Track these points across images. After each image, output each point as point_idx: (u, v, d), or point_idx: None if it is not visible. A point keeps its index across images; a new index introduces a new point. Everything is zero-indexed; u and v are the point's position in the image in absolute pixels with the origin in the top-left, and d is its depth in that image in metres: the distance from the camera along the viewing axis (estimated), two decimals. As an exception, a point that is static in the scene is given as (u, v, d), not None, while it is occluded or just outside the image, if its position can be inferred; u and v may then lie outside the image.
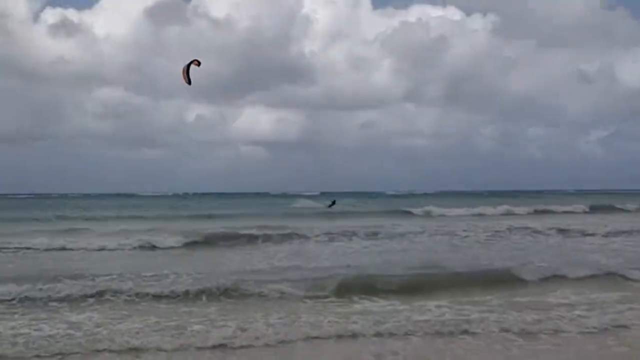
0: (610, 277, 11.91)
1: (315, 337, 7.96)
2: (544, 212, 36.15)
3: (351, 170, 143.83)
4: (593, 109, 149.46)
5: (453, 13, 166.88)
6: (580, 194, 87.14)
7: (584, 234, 21.19)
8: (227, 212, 39.21)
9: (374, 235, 20.85)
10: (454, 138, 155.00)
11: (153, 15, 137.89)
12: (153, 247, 17.99)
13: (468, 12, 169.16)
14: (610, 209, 38.55)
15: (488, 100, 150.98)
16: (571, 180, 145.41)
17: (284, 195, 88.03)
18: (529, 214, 35.39)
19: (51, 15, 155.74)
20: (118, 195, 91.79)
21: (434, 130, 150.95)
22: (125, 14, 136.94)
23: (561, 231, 21.37)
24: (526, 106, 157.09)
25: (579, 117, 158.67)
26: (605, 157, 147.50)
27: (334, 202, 47.28)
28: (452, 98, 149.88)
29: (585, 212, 36.70)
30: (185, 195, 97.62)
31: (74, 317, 8.89)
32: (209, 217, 34.63)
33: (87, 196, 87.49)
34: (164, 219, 33.36)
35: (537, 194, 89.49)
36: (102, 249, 17.60)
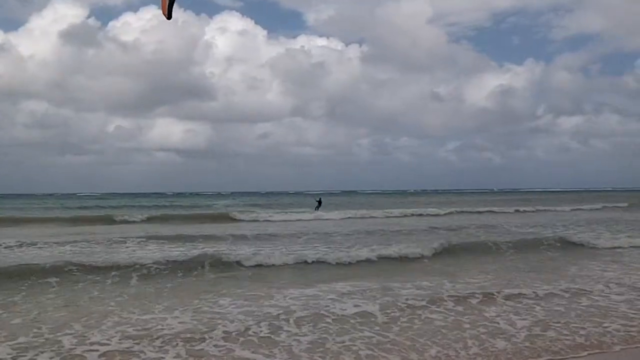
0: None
1: None
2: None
3: (252, 173, 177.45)
4: (447, 123, 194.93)
5: (336, 44, 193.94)
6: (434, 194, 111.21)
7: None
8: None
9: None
10: (337, 147, 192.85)
11: (69, 37, 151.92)
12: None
13: (347, 43, 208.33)
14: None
15: (363, 116, 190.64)
16: (434, 182, 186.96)
17: (200, 195, 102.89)
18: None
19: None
20: (53, 195, 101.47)
21: (319, 141, 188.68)
22: (48, 37, 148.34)
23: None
24: (394, 121, 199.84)
25: (436, 131, 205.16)
26: (458, 163, 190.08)
27: (320, 203, 44.00)
28: (333, 114, 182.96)
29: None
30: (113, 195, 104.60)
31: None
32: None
33: (31, 196, 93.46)
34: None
35: (403, 193, 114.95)
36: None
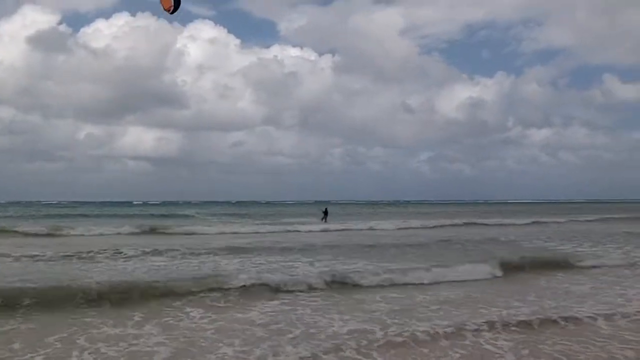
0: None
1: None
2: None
3: (225, 182, 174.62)
4: (419, 134, 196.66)
5: (309, 54, 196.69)
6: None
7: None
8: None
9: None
10: (309, 157, 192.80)
11: (38, 43, 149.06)
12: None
13: (320, 53, 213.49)
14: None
15: (336, 126, 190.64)
16: (407, 193, 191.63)
17: (172, 204, 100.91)
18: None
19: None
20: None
21: (292, 150, 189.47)
22: (17, 42, 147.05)
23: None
24: (367, 131, 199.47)
25: (409, 141, 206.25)
26: (430, 174, 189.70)
27: (326, 213, 43.45)
28: (306, 123, 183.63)
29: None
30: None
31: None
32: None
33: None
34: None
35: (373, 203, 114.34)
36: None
